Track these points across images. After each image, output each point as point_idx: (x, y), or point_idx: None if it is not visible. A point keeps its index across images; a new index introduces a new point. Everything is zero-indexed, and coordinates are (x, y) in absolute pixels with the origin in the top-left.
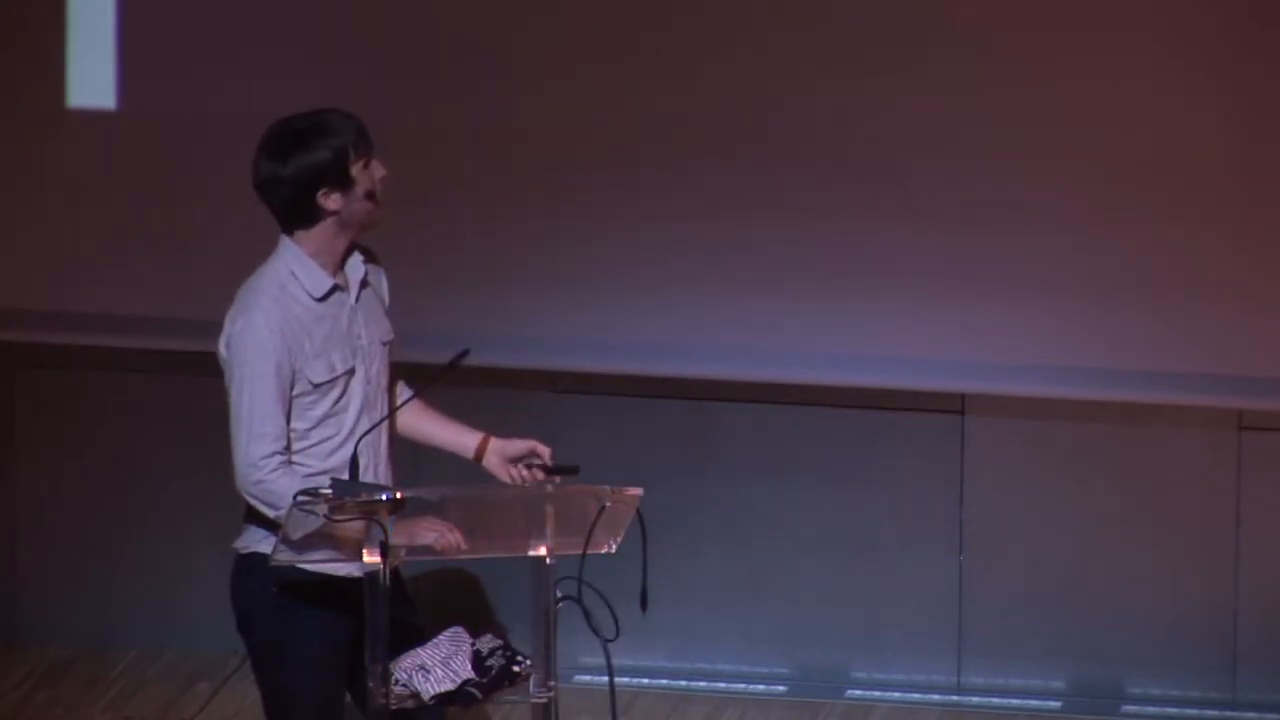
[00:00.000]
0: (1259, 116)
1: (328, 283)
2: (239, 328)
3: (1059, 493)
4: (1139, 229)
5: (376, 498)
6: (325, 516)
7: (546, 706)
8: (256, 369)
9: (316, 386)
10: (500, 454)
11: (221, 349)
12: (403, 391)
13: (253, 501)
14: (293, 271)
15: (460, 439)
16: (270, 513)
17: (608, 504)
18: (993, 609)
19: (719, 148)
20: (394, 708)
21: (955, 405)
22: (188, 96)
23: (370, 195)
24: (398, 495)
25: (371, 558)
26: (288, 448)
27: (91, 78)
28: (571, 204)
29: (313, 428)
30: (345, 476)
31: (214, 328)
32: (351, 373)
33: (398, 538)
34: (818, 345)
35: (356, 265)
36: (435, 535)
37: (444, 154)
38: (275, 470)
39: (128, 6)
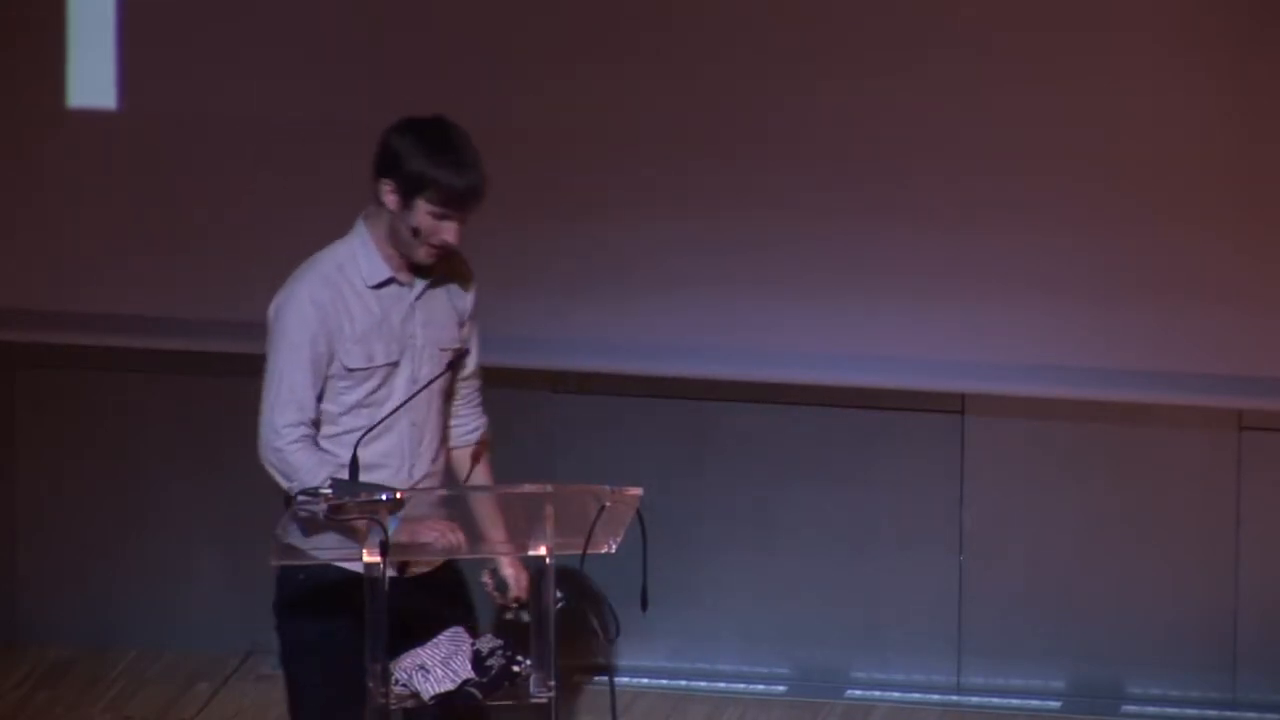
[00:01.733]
0: (1258, 116)
1: (384, 273)
2: (284, 297)
3: (1059, 493)
4: (1139, 229)
5: (376, 498)
6: (325, 516)
7: (546, 707)
8: (292, 339)
9: (350, 371)
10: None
11: (269, 313)
12: (465, 415)
13: (269, 469)
14: (355, 253)
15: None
16: (284, 483)
17: (607, 504)
18: (992, 609)
19: (719, 148)
20: (394, 707)
21: (955, 405)
22: (188, 97)
23: (415, 233)
24: (397, 495)
25: (371, 558)
26: (316, 424)
27: (91, 78)
28: (571, 204)
29: (344, 413)
30: (374, 468)
31: (214, 328)
32: (395, 367)
33: (400, 535)
34: (818, 345)
35: (432, 268)
36: (436, 535)
37: None
38: (296, 441)
39: (128, 6)
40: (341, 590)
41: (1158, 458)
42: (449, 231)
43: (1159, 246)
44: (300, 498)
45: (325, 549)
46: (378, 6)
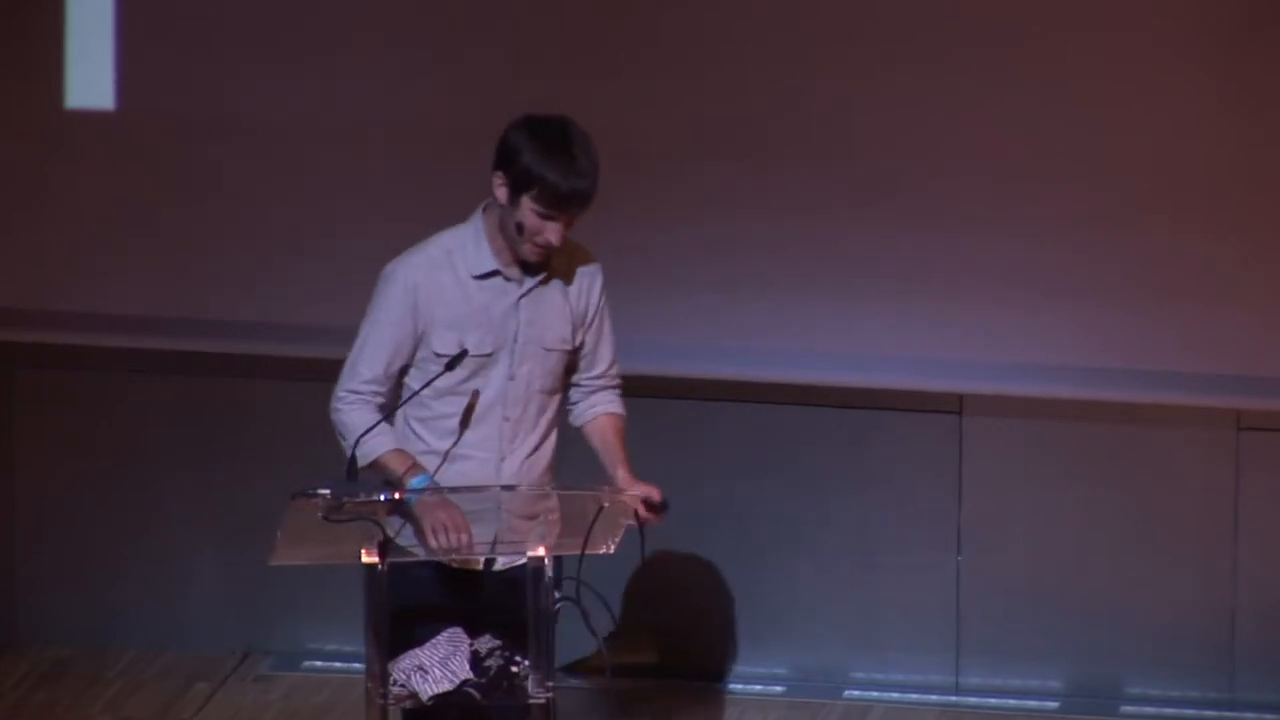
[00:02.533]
0: (1257, 117)
1: (489, 265)
2: (390, 270)
3: (1057, 493)
4: (1137, 229)
5: (372, 498)
6: (323, 517)
7: (545, 707)
8: (378, 314)
9: (439, 356)
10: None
11: (380, 276)
12: (587, 400)
13: (334, 427)
14: (465, 242)
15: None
16: (342, 443)
17: (606, 505)
18: (991, 609)
19: (717, 150)
20: (392, 707)
21: (953, 405)
22: (186, 97)
23: (520, 229)
24: (395, 495)
25: (370, 558)
26: (387, 395)
27: (90, 79)
28: None
29: (436, 399)
30: (460, 459)
31: (212, 328)
32: (489, 359)
33: (415, 510)
34: (816, 345)
35: (544, 267)
36: (434, 536)
37: (443, 155)
38: (352, 403)
39: (126, 7)
40: (433, 589)
41: (1156, 458)
42: (552, 232)
43: (1158, 247)
44: (296, 497)
45: (413, 543)
46: (378, 4)
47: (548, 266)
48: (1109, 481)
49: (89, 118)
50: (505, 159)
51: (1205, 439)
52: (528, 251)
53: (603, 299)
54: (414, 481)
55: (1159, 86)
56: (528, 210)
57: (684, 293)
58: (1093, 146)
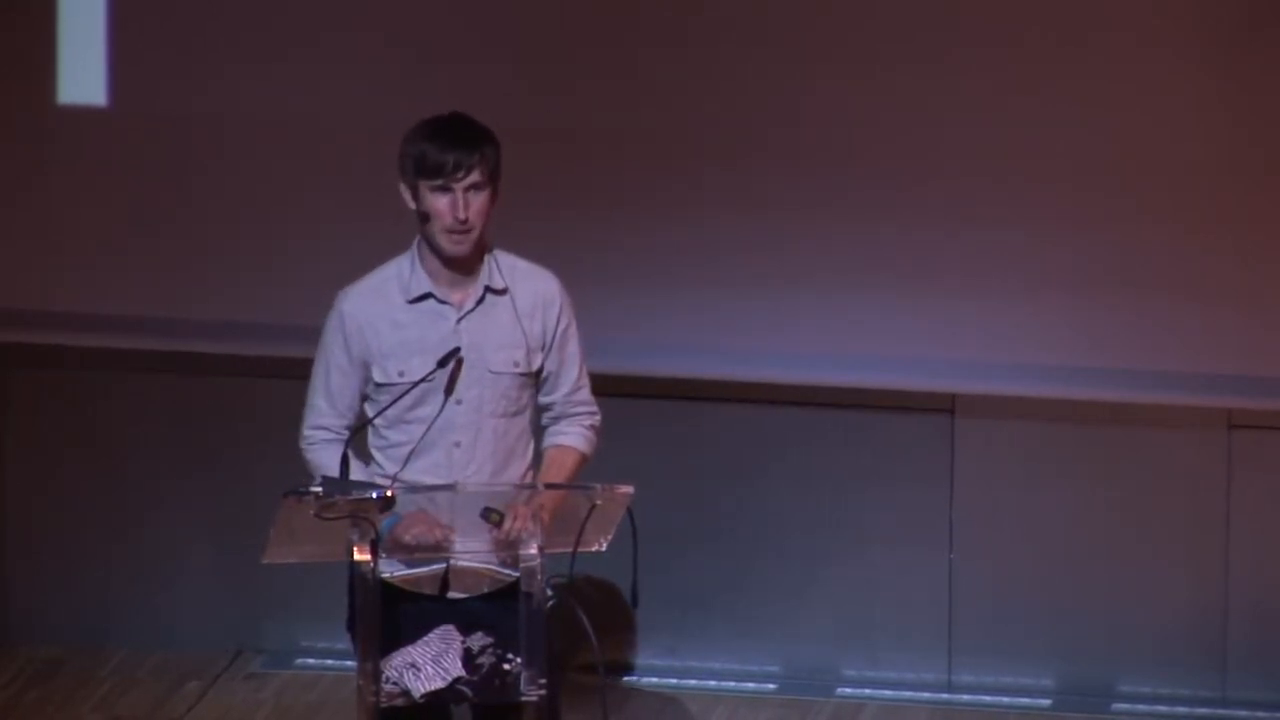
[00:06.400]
0: (1250, 116)
1: (422, 288)
2: (333, 304)
3: (1049, 492)
4: (1129, 229)
5: (364, 495)
6: (314, 515)
7: (538, 705)
8: (325, 347)
9: (379, 385)
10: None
11: None
12: (554, 429)
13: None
14: (403, 268)
15: None
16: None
17: (598, 502)
18: (983, 608)
19: (710, 150)
20: (384, 705)
21: (945, 405)
22: (179, 94)
23: (428, 219)
24: (388, 493)
25: (362, 555)
26: (352, 424)
27: (82, 75)
28: (570, 206)
29: (387, 427)
30: (417, 485)
31: (204, 328)
32: (431, 384)
33: (392, 537)
34: (809, 345)
35: (479, 288)
36: (422, 530)
37: None
38: (316, 443)
39: (118, 3)
40: (403, 602)
41: (1148, 457)
42: (458, 207)
43: (1149, 246)
44: (289, 496)
45: (392, 556)
46: (378, 4)
47: (517, 294)
48: (1101, 480)
49: (81, 114)
50: (399, 165)
51: (1197, 438)
52: (444, 242)
53: (564, 323)
54: (384, 523)
55: (1158, 86)
56: (425, 195)
57: (677, 292)
58: (1084, 146)
